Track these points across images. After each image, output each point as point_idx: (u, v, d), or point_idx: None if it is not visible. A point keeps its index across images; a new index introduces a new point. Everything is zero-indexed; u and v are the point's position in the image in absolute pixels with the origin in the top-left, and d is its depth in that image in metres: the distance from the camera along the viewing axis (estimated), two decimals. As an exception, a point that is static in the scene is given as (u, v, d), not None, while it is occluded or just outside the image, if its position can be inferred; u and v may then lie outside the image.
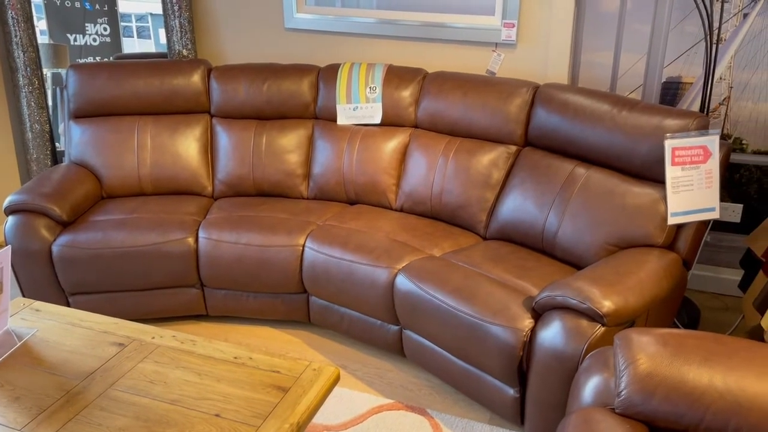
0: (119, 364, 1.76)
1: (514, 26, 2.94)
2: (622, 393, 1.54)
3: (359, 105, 3.00)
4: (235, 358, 1.78)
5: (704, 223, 2.28)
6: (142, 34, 3.61)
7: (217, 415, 1.56)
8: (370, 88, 2.99)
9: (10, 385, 1.68)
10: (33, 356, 1.79)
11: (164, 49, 3.62)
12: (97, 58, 3.65)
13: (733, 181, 2.88)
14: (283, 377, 1.70)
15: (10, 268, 1.85)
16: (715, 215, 2.22)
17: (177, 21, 3.45)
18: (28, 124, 3.50)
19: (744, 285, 2.63)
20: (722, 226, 2.97)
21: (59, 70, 3.59)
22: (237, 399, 1.62)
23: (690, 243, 2.25)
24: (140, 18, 3.58)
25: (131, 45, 3.63)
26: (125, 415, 1.57)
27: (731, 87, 2.77)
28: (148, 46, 3.64)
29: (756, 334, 2.34)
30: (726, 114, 2.81)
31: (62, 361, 1.77)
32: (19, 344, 1.85)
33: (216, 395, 1.64)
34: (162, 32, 3.58)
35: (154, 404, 1.60)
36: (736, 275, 3.01)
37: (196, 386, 1.67)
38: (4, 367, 1.75)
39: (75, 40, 3.59)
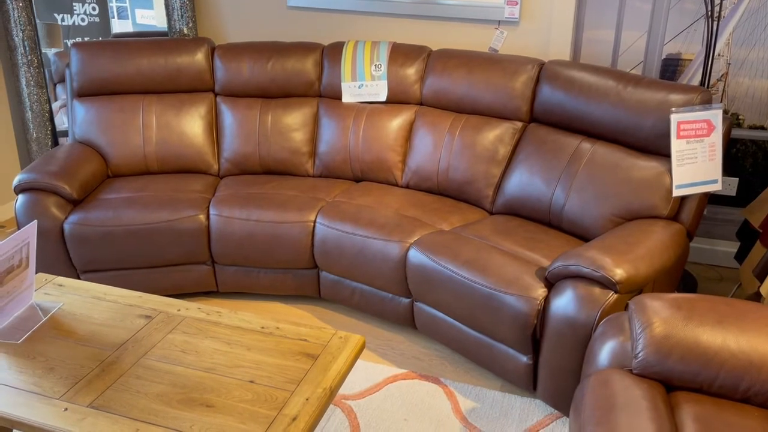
0: (149, 335, 1.80)
1: (517, 4, 2.98)
2: (639, 354, 1.61)
3: (364, 83, 3.03)
4: (262, 327, 1.83)
5: (705, 195, 2.36)
6: (121, 14, 3.58)
7: (251, 382, 1.61)
8: (375, 65, 3.01)
9: (43, 356, 1.71)
10: (62, 329, 1.82)
11: (141, 30, 3.60)
12: (86, 38, 3.61)
13: (730, 155, 2.96)
14: (311, 345, 1.75)
15: (35, 243, 1.87)
16: (717, 187, 2.30)
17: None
18: (27, 104, 3.48)
19: (740, 256, 2.72)
20: (718, 199, 3.05)
21: (49, 50, 3.54)
22: (268, 366, 1.67)
23: (693, 214, 2.32)
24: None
25: (113, 25, 3.60)
26: (161, 382, 1.61)
27: (729, 64, 2.84)
28: (126, 27, 3.61)
29: (754, 301, 2.43)
30: (724, 90, 2.88)
31: (92, 333, 1.80)
32: (45, 318, 1.88)
33: (248, 363, 1.68)
34: (138, 12, 3.55)
35: (189, 372, 1.65)
36: (731, 247, 3.11)
37: (227, 355, 1.71)
38: (33, 340, 1.78)
39: (63, 20, 3.55)
